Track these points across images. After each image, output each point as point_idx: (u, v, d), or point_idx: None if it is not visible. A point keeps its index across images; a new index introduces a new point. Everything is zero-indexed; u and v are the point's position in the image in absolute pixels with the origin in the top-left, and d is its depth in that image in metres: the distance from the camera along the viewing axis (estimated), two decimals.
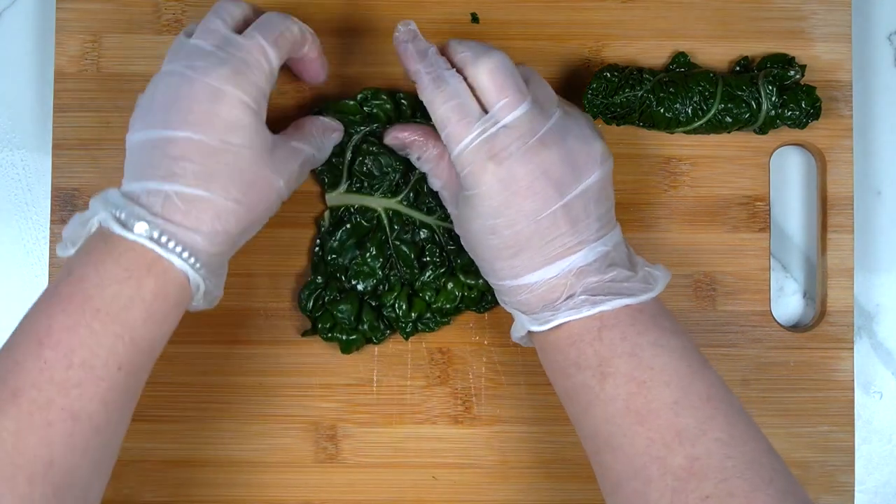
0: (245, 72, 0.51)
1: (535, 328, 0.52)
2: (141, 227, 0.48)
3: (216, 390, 0.62)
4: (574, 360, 0.51)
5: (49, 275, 0.62)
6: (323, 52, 0.58)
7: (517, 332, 0.55)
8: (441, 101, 0.53)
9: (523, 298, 0.53)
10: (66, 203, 0.62)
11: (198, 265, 0.49)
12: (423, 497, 0.62)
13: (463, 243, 0.57)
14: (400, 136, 0.59)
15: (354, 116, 0.61)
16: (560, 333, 0.52)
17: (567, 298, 0.51)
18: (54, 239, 0.62)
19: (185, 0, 0.63)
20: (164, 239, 0.48)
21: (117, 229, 0.48)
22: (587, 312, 0.50)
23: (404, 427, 0.63)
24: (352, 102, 0.61)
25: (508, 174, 0.51)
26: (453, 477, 0.62)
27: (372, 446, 0.62)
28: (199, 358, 0.62)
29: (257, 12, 0.55)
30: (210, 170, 0.49)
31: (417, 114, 0.62)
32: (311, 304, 0.61)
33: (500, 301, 0.56)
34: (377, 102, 0.61)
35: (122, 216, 0.48)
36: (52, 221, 0.62)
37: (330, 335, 0.61)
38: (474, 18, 0.63)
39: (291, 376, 0.62)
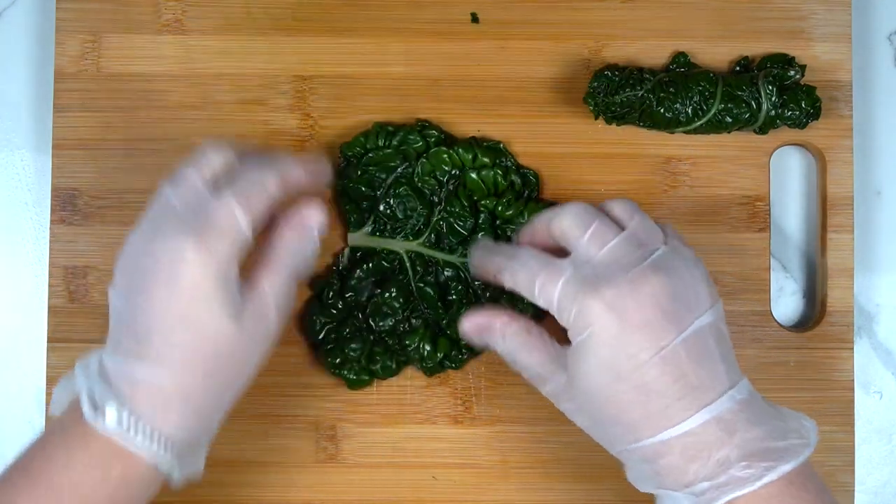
0: (211, 237, 0.47)
1: None
2: (111, 415, 0.47)
3: None
4: None
5: (49, 275, 0.62)
6: (321, 165, 0.54)
7: None
8: (519, 265, 0.51)
9: (670, 462, 0.47)
10: (66, 203, 0.62)
11: (167, 453, 0.48)
12: (423, 497, 0.62)
13: (579, 417, 0.52)
14: (478, 322, 0.54)
15: (393, 162, 0.62)
16: None
17: (724, 464, 0.46)
18: (54, 239, 0.62)
19: (185, 0, 0.63)
20: (132, 425, 0.47)
21: (89, 415, 0.47)
22: (751, 487, 0.46)
23: (404, 427, 0.63)
24: (388, 151, 0.61)
25: (618, 302, 0.47)
26: (453, 477, 0.62)
27: (372, 446, 0.62)
28: None
29: (244, 158, 0.51)
30: (175, 347, 0.47)
31: (450, 136, 0.62)
32: (323, 335, 0.61)
33: (638, 483, 0.50)
34: (395, 143, 0.62)
35: (96, 396, 0.47)
36: (53, 221, 0.62)
37: (337, 371, 0.61)
38: (474, 18, 0.63)
39: (291, 376, 0.62)
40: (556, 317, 0.50)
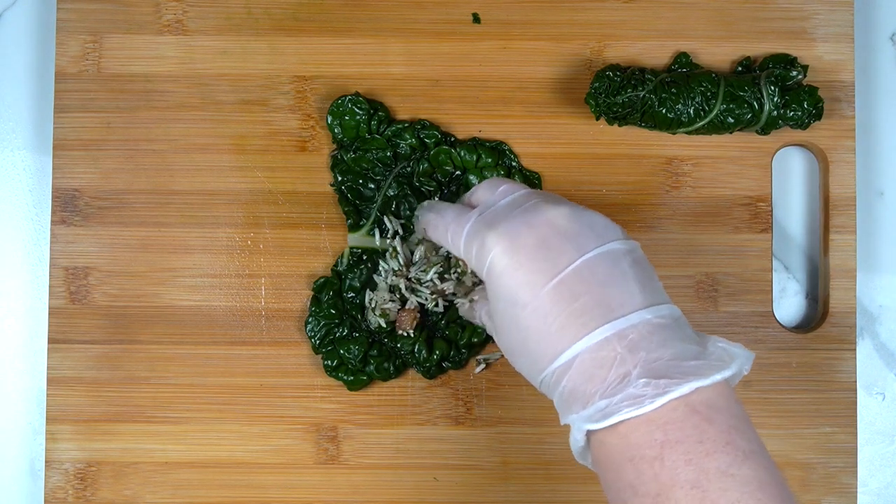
0: None
1: (590, 426, 0.43)
2: None
3: (217, 391, 0.62)
4: (630, 483, 0.42)
5: (49, 276, 0.62)
6: None
7: (576, 443, 0.46)
8: (438, 217, 0.53)
9: (572, 385, 0.44)
10: (66, 204, 0.62)
11: None
12: (425, 498, 0.62)
13: (503, 350, 0.50)
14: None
15: (384, 153, 0.62)
16: (617, 443, 0.43)
17: (622, 382, 0.43)
18: (55, 240, 0.62)
19: (185, 0, 0.63)
20: None
21: None
22: (649, 406, 0.42)
23: (405, 428, 0.62)
24: (378, 139, 0.62)
25: (511, 232, 0.47)
26: (454, 478, 0.62)
27: (373, 447, 0.62)
28: (200, 359, 0.62)
29: None
30: None
31: (450, 137, 0.62)
32: (319, 340, 0.61)
33: (560, 415, 0.47)
34: (387, 133, 0.62)
35: None
36: (53, 222, 0.62)
37: (335, 374, 0.61)
38: (476, 19, 0.63)
39: (292, 377, 0.62)
40: (466, 261, 0.51)
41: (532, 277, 0.46)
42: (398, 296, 0.61)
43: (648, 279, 0.47)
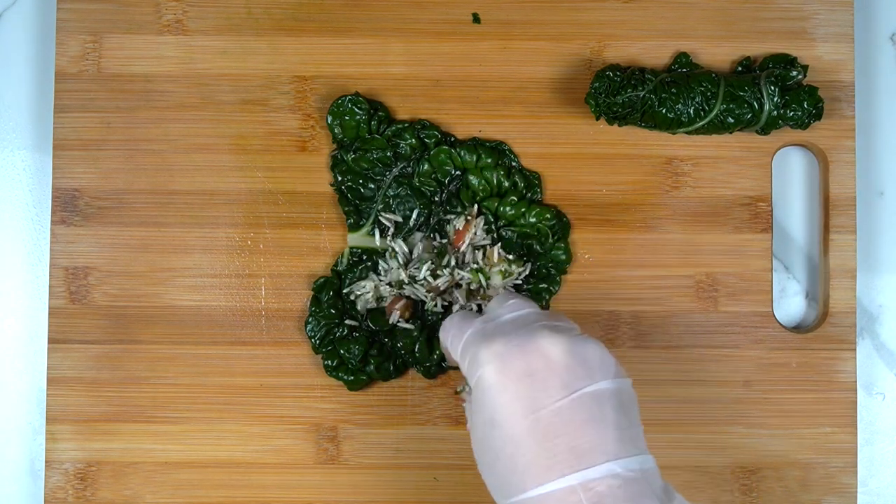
0: None
1: None
2: None
3: (217, 391, 0.62)
4: None
5: (49, 276, 0.62)
6: None
7: None
8: (448, 323, 0.53)
9: None
10: (66, 204, 0.62)
11: None
12: (425, 498, 0.62)
13: (478, 460, 0.49)
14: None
15: (384, 153, 0.62)
16: None
17: None
18: (55, 240, 0.62)
19: (185, 0, 0.63)
20: None
21: None
22: None
23: (405, 428, 0.62)
24: (378, 139, 0.62)
25: (504, 353, 0.47)
26: (454, 478, 0.62)
27: (373, 447, 0.62)
28: (200, 359, 0.62)
29: None
30: None
31: (450, 137, 0.62)
32: (319, 340, 0.61)
33: None
34: (387, 133, 0.62)
35: None
36: (53, 222, 0.62)
37: (335, 374, 0.61)
38: (476, 19, 0.63)
39: (292, 377, 0.62)
40: (461, 369, 0.51)
41: (514, 405, 0.46)
42: (397, 292, 0.61)
43: (628, 425, 0.47)
